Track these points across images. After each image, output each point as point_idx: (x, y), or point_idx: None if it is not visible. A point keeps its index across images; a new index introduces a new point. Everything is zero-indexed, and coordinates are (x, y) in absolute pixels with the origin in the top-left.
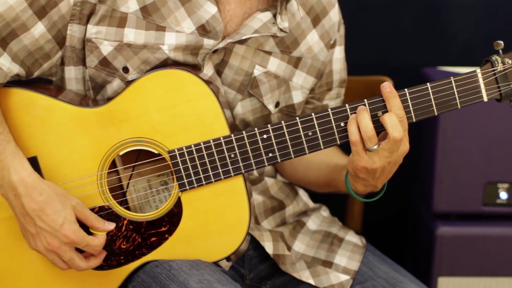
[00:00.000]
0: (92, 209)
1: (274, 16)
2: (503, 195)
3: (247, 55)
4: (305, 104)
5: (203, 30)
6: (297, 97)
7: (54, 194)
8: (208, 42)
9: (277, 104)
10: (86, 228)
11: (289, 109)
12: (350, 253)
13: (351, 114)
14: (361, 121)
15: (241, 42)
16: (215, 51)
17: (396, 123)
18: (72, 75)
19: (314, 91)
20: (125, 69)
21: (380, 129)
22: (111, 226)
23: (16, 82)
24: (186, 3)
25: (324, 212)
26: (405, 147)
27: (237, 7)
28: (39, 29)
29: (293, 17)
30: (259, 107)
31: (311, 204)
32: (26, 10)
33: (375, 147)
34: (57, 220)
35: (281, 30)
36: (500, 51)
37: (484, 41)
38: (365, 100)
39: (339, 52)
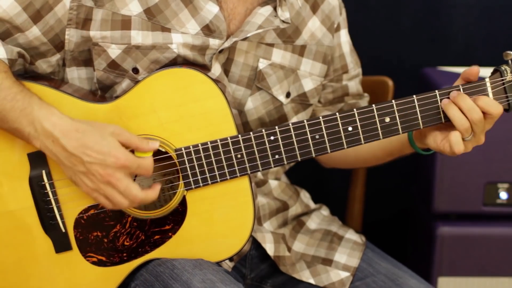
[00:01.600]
0: (97, 205)
1: (274, 8)
2: (503, 195)
3: (250, 50)
4: (323, 90)
5: (208, 30)
6: (308, 84)
7: (91, 127)
8: (214, 42)
9: (288, 95)
10: None
11: (301, 98)
12: (350, 250)
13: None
14: (465, 105)
15: (244, 38)
16: (220, 51)
17: (493, 101)
18: (75, 75)
19: (329, 76)
20: (135, 70)
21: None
22: (155, 145)
23: (24, 76)
24: (189, 4)
25: (324, 211)
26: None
27: (239, 5)
28: (33, 32)
29: (292, 6)
30: (270, 99)
31: (312, 205)
32: (21, 14)
33: (470, 137)
34: (102, 149)
35: (283, 21)
36: (510, 61)
37: (484, 41)
38: (373, 105)
39: (345, 35)
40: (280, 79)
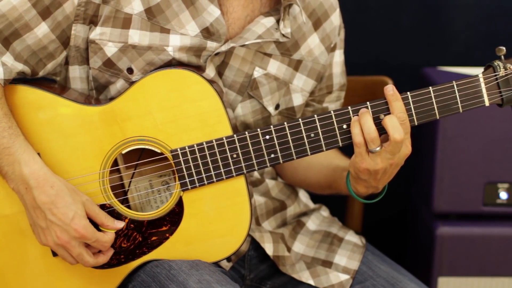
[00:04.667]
0: None
1: (277, 21)
2: (503, 195)
3: (248, 57)
4: (305, 107)
5: (207, 32)
6: (297, 99)
7: (65, 188)
8: (211, 45)
9: (277, 107)
10: (95, 226)
11: (289, 112)
12: (350, 252)
13: (353, 116)
14: (364, 123)
15: (242, 45)
16: (217, 54)
17: (396, 125)
18: (77, 74)
19: (314, 94)
20: (130, 70)
21: (382, 131)
22: (120, 224)
23: (22, 79)
24: (190, 6)
25: (324, 212)
26: (407, 149)
27: (240, 10)
28: (42, 29)
29: (294, 20)
30: (259, 109)
31: (311, 205)
32: (30, 10)
33: (378, 148)
34: (68, 214)
35: (283, 35)
36: (502, 56)
37: (484, 41)
38: (368, 102)
39: (339, 56)
40: (273, 90)
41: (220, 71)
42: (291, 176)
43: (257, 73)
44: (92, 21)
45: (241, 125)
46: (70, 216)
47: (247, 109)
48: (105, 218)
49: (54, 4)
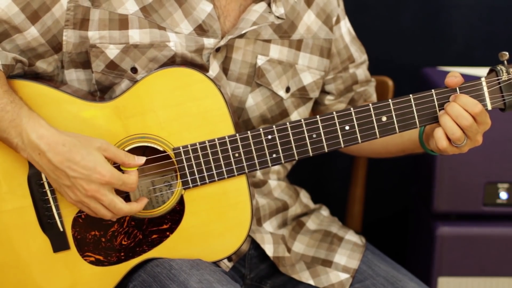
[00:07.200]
0: None
1: (269, 5)
2: (503, 195)
3: (248, 47)
4: (333, 83)
5: (201, 30)
6: (306, 78)
7: (77, 142)
8: (209, 41)
9: (287, 89)
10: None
11: (301, 92)
12: (350, 251)
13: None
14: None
15: (241, 36)
16: (218, 50)
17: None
18: (74, 77)
19: (337, 68)
20: (134, 70)
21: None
22: (141, 160)
23: (23, 76)
24: (182, 4)
25: (324, 211)
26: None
27: (232, 2)
28: (31, 33)
29: (286, 1)
30: (270, 95)
31: (311, 205)
32: (19, 14)
33: (465, 141)
34: (88, 165)
35: (278, 17)
36: (505, 61)
37: (484, 41)
38: (370, 104)
39: (344, 25)
40: (279, 74)
41: (225, 67)
42: (354, 152)
43: (260, 61)
44: (83, 25)
45: (256, 116)
46: (91, 166)
47: (258, 98)
48: (125, 157)
49: (43, 8)
